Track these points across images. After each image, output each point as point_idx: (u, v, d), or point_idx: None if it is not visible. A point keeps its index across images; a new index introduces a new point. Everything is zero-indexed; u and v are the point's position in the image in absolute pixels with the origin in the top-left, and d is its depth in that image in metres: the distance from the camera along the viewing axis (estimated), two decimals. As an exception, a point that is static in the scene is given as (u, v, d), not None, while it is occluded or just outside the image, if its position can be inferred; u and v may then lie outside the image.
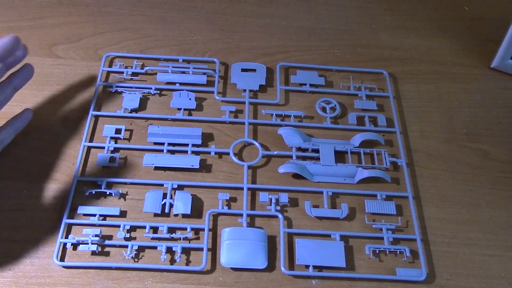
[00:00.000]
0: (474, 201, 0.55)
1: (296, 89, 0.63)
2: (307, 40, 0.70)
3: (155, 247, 0.49)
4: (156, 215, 0.52)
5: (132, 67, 0.63)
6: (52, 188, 0.53)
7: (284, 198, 0.53)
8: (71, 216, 0.51)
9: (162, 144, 0.56)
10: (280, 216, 0.52)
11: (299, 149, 0.57)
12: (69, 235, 0.49)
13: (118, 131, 0.57)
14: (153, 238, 0.50)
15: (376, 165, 0.56)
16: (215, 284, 0.48)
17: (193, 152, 0.56)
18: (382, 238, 0.51)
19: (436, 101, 0.64)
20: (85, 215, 0.51)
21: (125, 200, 0.52)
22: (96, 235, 0.48)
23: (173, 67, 0.63)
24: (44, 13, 0.69)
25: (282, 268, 0.48)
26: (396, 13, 0.75)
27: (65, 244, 0.49)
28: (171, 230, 0.50)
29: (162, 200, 0.52)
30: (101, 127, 0.57)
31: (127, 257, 0.48)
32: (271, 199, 0.53)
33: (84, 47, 0.66)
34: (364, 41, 0.70)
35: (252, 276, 0.48)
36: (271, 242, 0.50)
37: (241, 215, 0.52)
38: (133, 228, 0.50)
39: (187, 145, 0.56)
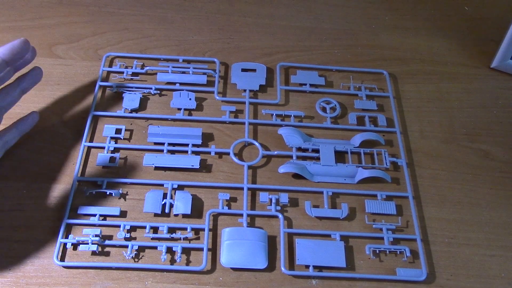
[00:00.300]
0: (474, 201, 0.55)
1: (296, 89, 0.63)
2: (307, 40, 0.70)
3: (155, 247, 0.49)
4: (156, 215, 0.52)
5: (132, 67, 0.63)
6: (52, 188, 0.53)
7: (284, 198, 0.53)
8: (71, 216, 0.51)
9: (162, 144, 0.56)
10: (280, 216, 0.52)
11: (299, 149, 0.57)
12: (69, 235, 0.49)
13: (118, 131, 0.57)
14: (153, 238, 0.50)
15: (376, 165, 0.56)
16: (215, 284, 0.48)
17: (193, 152, 0.56)
18: (382, 238, 0.51)
19: (436, 101, 0.64)
20: (85, 215, 0.51)
21: (125, 200, 0.52)
22: (96, 235, 0.48)
23: (173, 67, 0.63)
24: (44, 13, 0.69)
25: (282, 268, 0.48)
26: (396, 13, 0.75)
27: (65, 244, 0.49)
28: (171, 230, 0.50)
29: (162, 200, 0.52)
30: (101, 127, 0.57)
31: (127, 257, 0.48)
32: (271, 199, 0.53)
33: (84, 47, 0.66)
34: (364, 41, 0.70)
35: (252, 276, 0.48)
36: (271, 242, 0.51)
37: (241, 215, 0.52)
38: (133, 228, 0.50)
39: (187, 145, 0.56)
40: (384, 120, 0.61)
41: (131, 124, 0.58)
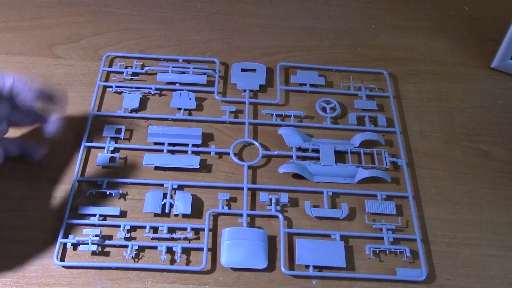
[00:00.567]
0: (474, 201, 0.55)
1: (296, 89, 0.63)
2: (307, 40, 0.70)
3: (155, 247, 0.49)
4: (156, 215, 0.52)
5: (132, 67, 0.63)
6: (52, 188, 0.53)
7: (284, 198, 0.53)
8: (71, 216, 0.51)
9: (162, 144, 0.56)
10: (280, 216, 0.52)
11: (299, 149, 0.57)
12: (69, 235, 0.49)
13: (118, 131, 0.57)
14: (153, 238, 0.50)
15: (376, 165, 0.56)
16: (215, 284, 0.48)
17: (193, 152, 0.56)
18: (382, 238, 0.51)
19: (436, 101, 0.64)
20: (85, 215, 0.51)
21: (125, 200, 0.52)
22: (96, 235, 0.48)
23: (173, 67, 0.63)
24: (44, 13, 0.69)
25: (282, 268, 0.48)
26: (396, 13, 0.75)
27: (65, 244, 0.49)
28: (171, 230, 0.50)
29: (162, 200, 0.52)
30: (101, 127, 0.57)
31: (127, 257, 0.48)
32: (271, 199, 0.53)
33: (84, 47, 0.66)
34: (364, 41, 0.70)
35: (252, 276, 0.48)
36: (271, 242, 0.50)
37: (241, 215, 0.52)
38: (133, 228, 0.50)
39: (187, 145, 0.56)
40: (384, 120, 0.61)
41: (131, 124, 0.58)
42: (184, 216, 0.52)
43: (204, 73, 0.63)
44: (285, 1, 0.75)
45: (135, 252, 0.49)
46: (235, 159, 0.56)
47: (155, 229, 0.50)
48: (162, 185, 0.53)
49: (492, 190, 0.56)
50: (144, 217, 0.51)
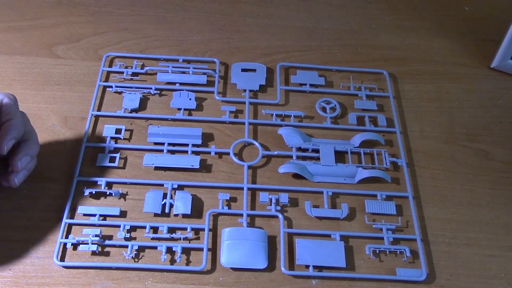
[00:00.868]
0: (474, 201, 0.55)
1: (296, 89, 0.63)
2: (307, 40, 0.70)
3: (155, 247, 0.49)
4: (156, 215, 0.52)
5: (132, 67, 0.63)
6: (52, 188, 0.53)
7: (284, 198, 0.53)
8: (71, 216, 0.51)
9: (162, 144, 0.56)
10: (280, 216, 0.52)
11: (299, 149, 0.57)
12: (69, 235, 0.49)
13: (118, 131, 0.57)
14: (153, 238, 0.50)
15: (376, 165, 0.56)
16: (215, 284, 0.48)
17: (193, 152, 0.56)
18: (382, 238, 0.51)
19: (436, 101, 0.64)
20: (85, 215, 0.51)
21: (125, 200, 0.52)
22: (96, 235, 0.48)
23: (173, 67, 0.63)
24: (44, 13, 0.69)
25: (282, 268, 0.48)
26: (396, 13, 0.75)
27: (65, 244, 0.49)
28: (171, 230, 0.50)
29: (162, 200, 0.52)
30: (101, 127, 0.57)
31: (127, 257, 0.48)
32: (271, 199, 0.53)
33: (84, 47, 0.66)
34: (364, 41, 0.70)
35: (252, 276, 0.48)
36: (271, 242, 0.50)
37: (241, 215, 0.52)
38: (133, 228, 0.50)
39: (187, 145, 0.56)
40: (384, 120, 0.61)
41: (131, 124, 0.58)
42: (184, 216, 0.52)
43: (204, 73, 0.63)
44: (285, 1, 0.75)
45: (135, 252, 0.49)
46: (235, 159, 0.56)
47: (155, 229, 0.50)
48: (162, 185, 0.53)
49: (492, 190, 0.56)
50: (144, 217, 0.51)
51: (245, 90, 0.62)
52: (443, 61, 0.69)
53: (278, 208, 0.53)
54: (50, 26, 0.68)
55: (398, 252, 0.50)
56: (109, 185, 0.53)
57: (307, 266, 0.49)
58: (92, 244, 0.48)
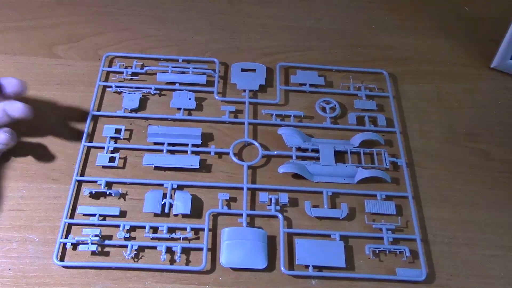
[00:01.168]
0: (474, 201, 0.55)
1: (296, 89, 0.63)
2: (307, 40, 0.70)
3: (155, 247, 0.49)
4: (156, 215, 0.52)
5: (132, 67, 0.63)
6: (52, 188, 0.53)
7: (284, 198, 0.53)
8: (71, 216, 0.51)
9: (162, 144, 0.56)
10: (280, 216, 0.52)
11: (299, 149, 0.57)
12: (69, 235, 0.49)
13: (118, 131, 0.57)
14: (153, 238, 0.50)
15: (376, 165, 0.56)
16: (215, 284, 0.48)
17: (193, 152, 0.56)
18: (382, 238, 0.51)
19: (436, 101, 0.64)
20: (85, 215, 0.51)
21: (125, 200, 0.53)
22: (96, 235, 0.48)
23: (173, 67, 0.63)
24: (44, 13, 0.69)
25: (282, 268, 0.48)
26: (396, 13, 0.75)
27: (65, 244, 0.49)
28: (171, 230, 0.50)
29: (162, 200, 0.52)
30: (101, 127, 0.57)
31: (127, 257, 0.48)
32: (271, 199, 0.53)
33: (84, 47, 0.66)
34: (364, 41, 0.70)
35: (252, 276, 0.48)
36: (271, 242, 0.50)
37: (241, 215, 0.52)
38: (133, 228, 0.50)
39: (187, 145, 0.56)
40: (384, 120, 0.60)
41: (131, 124, 0.58)
42: (184, 216, 0.52)
43: (204, 73, 0.63)
44: (285, 1, 0.75)
45: (134, 252, 0.49)
46: (235, 159, 0.56)
47: (154, 229, 0.50)
48: (162, 185, 0.53)
49: (492, 190, 0.56)
50: (143, 217, 0.51)
51: (245, 90, 0.62)
52: (443, 61, 0.69)
53: (278, 208, 0.53)
54: (50, 26, 0.68)
55: (398, 252, 0.50)
56: (109, 185, 0.53)
57: (307, 266, 0.49)
58: (92, 244, 0.48)
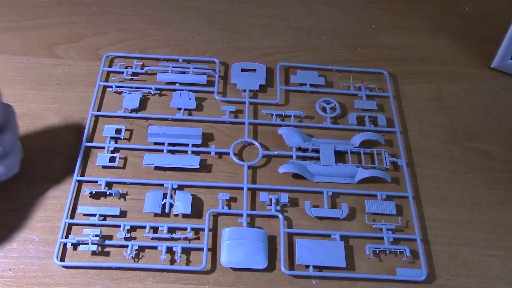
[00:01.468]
0: (474, 201, 0.55)
1: (296, 89, 0.63)
2: (307, 40, 0.70)
3: (155, 247, 0.49)
4: (156, 215, 0.52)
5: (132, 67, 0.63)
6: (52, 188, 0.53)
7: (284, 198, 0.53)
8: (71, 216, 0.51)
9: (162, 144, 0.56)
10: (280, 216, 0.52)
11: (299, 149, 0.57)
12: (69, 235, 0.49)
13: (118, 131, 0.57)
14: (153, 238, 0.50)
15: (376, 165, 0.56)
16: (215, 284, 0.48)
17: (193, 152, 0.56)
18: (382, 238, 0.51)
19: (436, 101, 0.64)
20: (85, 215, 0.51)
21: (125, 200, 0.53)
22: (96, 235, 0.48)
23: (173, 67, 0.63)
24: (44, 13, 0.69)
25: (282, 268, 0.48)
26: (396, 13, 0.75)
27: (65, 244, 0.49)
28: (171, 230, 0.50)
29: (162, 200, 0.52)
30: (101, 127, 0.57)
31: (127, 257, 0.48)
32: (271, 199, 0.53)
33: (84, 47, 0.66)
34: (364, 41, 0.70)
35: (252, 276, 0.48)
36: (271, 242, 0.50)
37: (241, 215, 0.52)
38: (133, 228, 0.50)
39: (187, 145, 0.56)
40: (384, 120, 0.61)
41: (131, 124, 0.58)
42: (184, 216, 0.52)
43: (204, 73, 0.63)
44: (285, 1, 0.75)
45: (135, 252, 0.49)
46: (235, 159, 0.56)
47: (155, 229, 0.50)
48: (162, 185, 0.53)
49: (492, 190, 0.56)
50: (144, 217, 0.51)
51: (245, 90, 0.62)
52: (443, 61, 0.69)
53: (278, 208, 0.53)
54: (50, 26, 0.68)
55: (398, 252, 0.50)
56: (109, 185, 0.53)
57: (307, 266, 0.49)
58: (92, 244, 0.48)
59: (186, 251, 0.49)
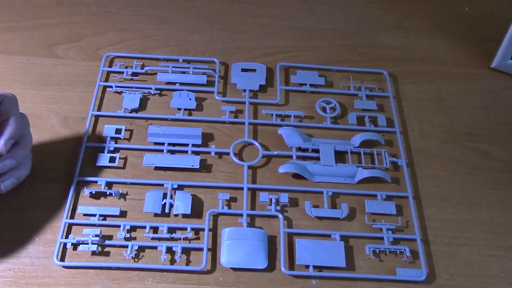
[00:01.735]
0: (474, 201, 0.55)
1: (296, 89, 0.63)
2: (307, 40, 0.70)
3: (155, 247, 0.49)
4: (156, 215, 0.52)
5: (132, 67, 0.63)
6: (52, 188, 0.53)
7: (284, 198, 0.53)
8: (71, 216, 0.51)
9: (162, 144, 0.56)
10: (280, 216, 0.52)
11: (299, 149, 0.57)
12: (69, 235, 0.49)
13: (118, 131, 0.57)
14: (153, 238, 0.50)
15: (376, 165, 0.56)
16: (215, 284, 0.48)
17: (193, 152, 0.56)
18: (382, 238, 0.51)
19: (436, 101, 0.64)
20: (85, 215, 0.51)
21: (125, 200, 0.52)
22: (96, 235, 0.48)
23: (173, 67, 0.63)
24: (44, 13, 0.69)
25: (282, 268, 0.48)
26: (396, 13, 0.75)
27: (65, 244, 0.49)
28: (171, 230, 0.50)
29: (162, 200, 0.52)
30: (101, 127, 0.57)
31: (127, 257, 0.48)
32: (271, 199, 0.53)
33: (84, 47, 0.66)
34: (364, 41, 0.70)
35: (252, 276, 0.48)
36: (271, 242, 0.50)
37: (241, 215, 0.52)
38: (133, 228, 0.50)
39: (187, 145, 0.56)
40: (384, 120, 0.61)
41: (131, 124, 0.58)
42: (184, 216, 0.52)
43: (204, 73, 0.63)
44: (285, 1, 0.75)
45: (135, 252, 0.49)
46: (235, 159, 0.56)
47: (155, 229, 0.50)
48: (162, 185, 0.53)
49: (492, 190, 0.56)
50: (144, 217, 0.51)
51: (245, 90, 0.62)
52: (443, 61, 0.69)
53: (278, 208, 0.53)
54: (50, 26, 0.68)
55: (398, 252, 0.50)
56: (109, 185, 0.53)
57: (307, 266, 0.49)
58: (92, 244, 0.48)
59: (186, 251, 0.49)
